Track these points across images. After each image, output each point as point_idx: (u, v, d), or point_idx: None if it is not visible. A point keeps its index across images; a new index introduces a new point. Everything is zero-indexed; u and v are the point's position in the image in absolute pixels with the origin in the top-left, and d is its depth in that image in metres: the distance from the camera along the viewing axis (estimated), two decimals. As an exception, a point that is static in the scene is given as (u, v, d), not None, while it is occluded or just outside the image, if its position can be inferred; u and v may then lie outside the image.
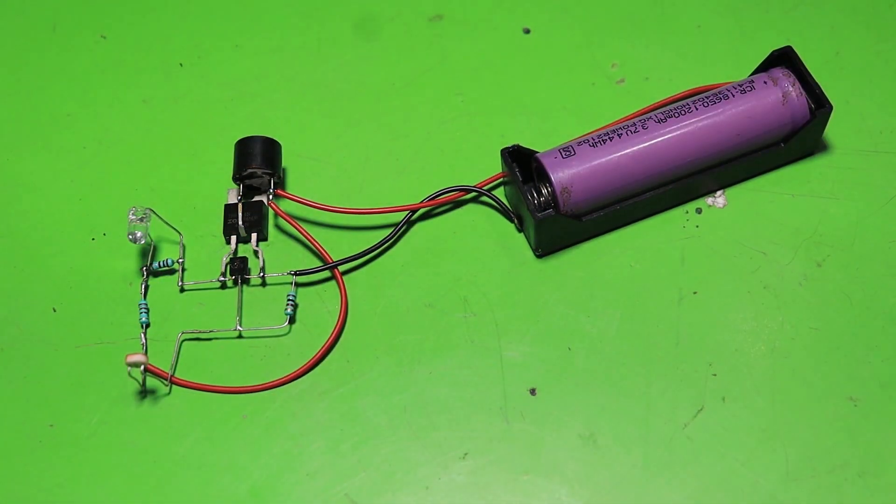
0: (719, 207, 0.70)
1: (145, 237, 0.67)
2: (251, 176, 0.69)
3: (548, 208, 0.67)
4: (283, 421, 0.64)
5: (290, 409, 0.65)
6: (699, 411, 0.64)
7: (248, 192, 0.70)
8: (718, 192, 0.70)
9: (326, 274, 0.69)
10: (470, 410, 0.64)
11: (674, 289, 0.67)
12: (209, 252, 0.70)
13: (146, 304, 0.68)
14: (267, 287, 0.69)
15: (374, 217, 0.70)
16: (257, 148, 0.69)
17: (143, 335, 0.67)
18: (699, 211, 0.70)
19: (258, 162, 0.69)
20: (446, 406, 0.64)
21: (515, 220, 0.70)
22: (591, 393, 0.64)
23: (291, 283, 0.68)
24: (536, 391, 0.65)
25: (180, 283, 0.69)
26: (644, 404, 0.64)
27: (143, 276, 0.69)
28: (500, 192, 0.71)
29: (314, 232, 0.70)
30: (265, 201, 0.70)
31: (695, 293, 0.67)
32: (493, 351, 0.66)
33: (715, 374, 0.65)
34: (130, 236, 0.67)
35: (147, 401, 0.65)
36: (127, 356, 0.62)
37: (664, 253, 0.68)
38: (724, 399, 0.64)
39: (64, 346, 0.67)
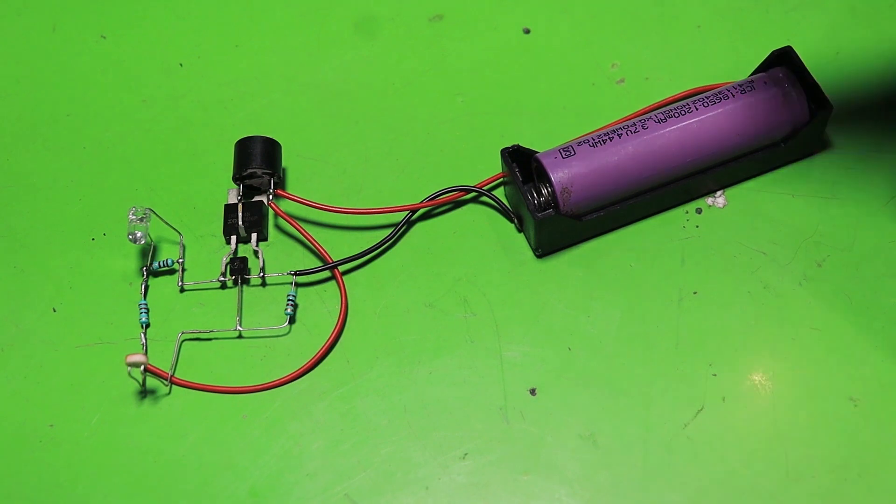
0: (719, 207, 0.70)
1: (145, 237, 0.67)
2: (251, 176, 0.69)
3: (548, 208, 0.67)
4: (283, 421, 0.64)
5: (290, 409, 0.65)
6: (699, 411, 0.64)
7: (248, 192, 0.70)
8: (718, 192, 0.70)
9: (326, 274, 0.69)
10: (470, 410, 0.64)
11: (674, 289, 0.67)
12: (209, 252, 0.70)
13: (146, 304, 0.68)
14: (267, 287, 0.69)
15: (374, 217, 0.70)
16: (257, 148, 0.69)
17: (143, 335, 0.67)
18: (699, 211, 0.70)
19: (258, 162, 0.69)
20: (446, 406, 0.64)
21: (515, 220, 0.69)
22: (591, 393, 0.64)
23: (291, 283, 0.68)
24: (536, 391, 0.65)
25: (180, 283, 0.69)
26: (644, 404, 0.64)
27: (143, 276, 0.69)
28: (500, 192, 0.71)
29: (314, 232, 0.70)
30: (265, 201, 0.70)
31: (695, 293, 0.67)
32: (493, 351, 0.66)
33: (715, 375, 0.65)
34: (130, 236, 0.67)
35: (147, 401, 0.65)
36: (127, 356, 0.62)
37: (664, 253, 0.68)
38: (724, 399, 0.64)
39: (64, 346, 0.67)
